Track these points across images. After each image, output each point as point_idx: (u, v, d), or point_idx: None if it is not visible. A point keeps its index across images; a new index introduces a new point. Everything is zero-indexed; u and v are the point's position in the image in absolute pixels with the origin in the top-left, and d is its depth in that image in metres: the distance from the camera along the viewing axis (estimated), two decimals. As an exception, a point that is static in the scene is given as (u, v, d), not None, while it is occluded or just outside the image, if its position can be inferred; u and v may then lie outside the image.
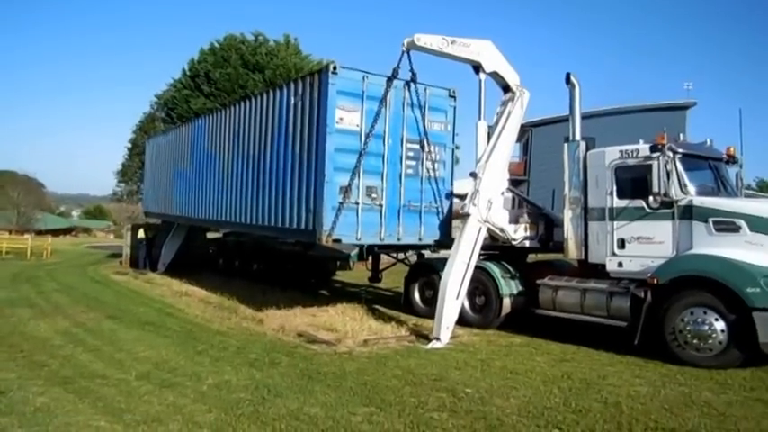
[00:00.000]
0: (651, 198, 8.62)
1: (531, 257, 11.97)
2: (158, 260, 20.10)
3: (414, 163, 10.53)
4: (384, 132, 10.08)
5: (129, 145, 35.26)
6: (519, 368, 7.54)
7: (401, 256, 13.60)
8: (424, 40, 9.89)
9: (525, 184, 34.51)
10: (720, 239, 8.03)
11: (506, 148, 10.46)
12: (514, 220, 10.83)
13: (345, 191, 9.51)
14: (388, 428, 5.26)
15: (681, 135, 9.71)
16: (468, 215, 9.66)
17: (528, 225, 10.91)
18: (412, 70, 10.26)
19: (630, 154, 9.13)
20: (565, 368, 7.58)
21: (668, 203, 8.54)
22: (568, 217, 9.90)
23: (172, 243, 20.16)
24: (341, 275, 18.25)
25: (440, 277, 9.75)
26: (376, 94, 9.89)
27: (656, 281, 8.23)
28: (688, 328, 7.78)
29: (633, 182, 9.05)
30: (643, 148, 8.96)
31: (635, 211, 8.95)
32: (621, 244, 9.08)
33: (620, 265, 9.09)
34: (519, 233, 10.75)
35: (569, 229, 9.87)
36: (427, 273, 11.78)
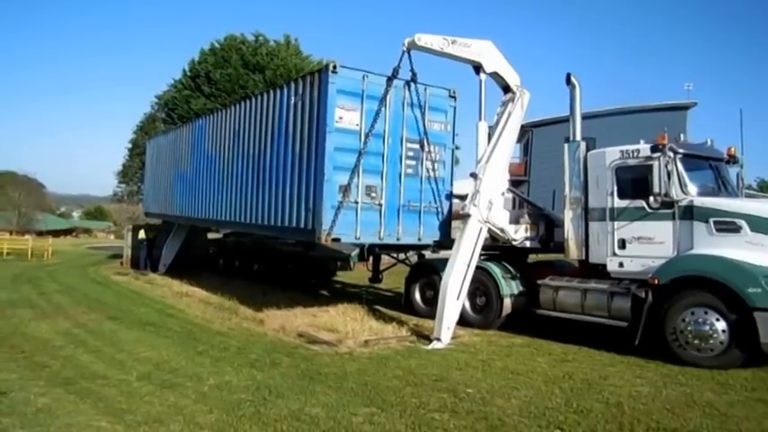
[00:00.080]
0: (652, 198, 8.62)
1: (532, 258, 11.97)
2: (159, 261, 20.10)
3: (413, 163, 10.53)
4: (384, 132, 10.08)
5: (130, 145, 35.30)
6: (520, 368, 7.53)
7: (402, 256, 13.59)
8: (424, 39, 9.89)
9: (526, 184, 34.50)
10: (721, 239, 8.02)
11: (507, 149, 10.46)
12: (515, 221, 10.83)
13: (345, 190, 9.51)
14: (390, 429, 5.26)
15: (681, 135, 9.71)
16: (468, 216, 9.66)
17: (528, 225, 10.91)
18: (412, 70, 10.26)
19: (631, 154, 9.13)
20: (566, 368, 7.57)
21: (669, 204, 8.54)
22: (569, 217, 9.90)
23: (172, 244, 20.17)
24: (341, 276, 18.25)
25: (440, 278, 9.75)
26: (376, 94, 9.89)
27: (656, 281, 8.22)
28: (689, 328, 7.77)
29: (634, 182, 9.05)
30: (644, 148, 8.96)
31: (636, 212, 8.95)
32: (622, 244, 9.08)
33: (620, 265, 9.09)
34: (519, 233, 10.75)
35: (570, 230, 9.87)
36: (428, 273, 11.78)
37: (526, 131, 34.81)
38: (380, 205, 10.07)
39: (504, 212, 10.64)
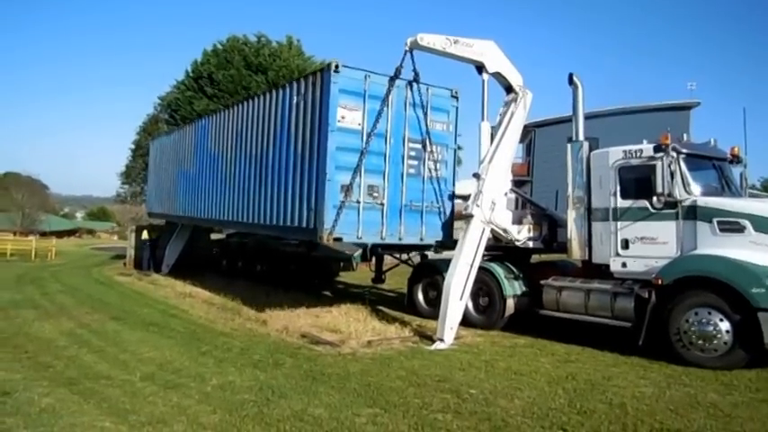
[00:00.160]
0: (655, 198, 8.61)
1: (535, 258, 11.95)
2: (162, 261, 20.16)
3: (416, 162, 10.53)
4: (386, 131, 10.08)
5: (133, 146, 35.45)
6: (523, 369, 7.52)
7: (404, 256, 13.60)
8: (427, 39, 9.88)
9: (528, 184, 34.46)
10: (725, 240, 8.00)
11: (509, 149, 10.45)
12: (518, 221, 10.82)
13: (347, 189, 9.51)
14: (393, 430, 5.25)
15: (684, 135, 9.68)
16: (471, 216, 9.66)
17: (531, 226, 10.90)
18: (415, 70, 10.27)
19: (634, 154, 9.11)
20: (569, 369, 7.56)
21: (672, 204, 8.52)
22: (572, 217, 9.89)
23: (175, 244, 20.21)
24: (344, 276, 18.26)
25: (443, 278, 9.74)
26: (378, 94, 9.89)
27: (660, 281, 8.20)
28: (693, 328, 7.75)
29: (637, 182, 9.04)
30: (647, 148, 8.95)
31: (639, 212, 8.93)
32: (625, 244, 9.07)
33: (623, 265, 9.08)
34: (522, 234, 10.74)
35: (573, 230, 9.86)
36: (431, 274, 11.78)
37: (529, 131, 34.74)
38: (382, 205, 10.07)
39: (507, 213, 10.63)
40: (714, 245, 8.06)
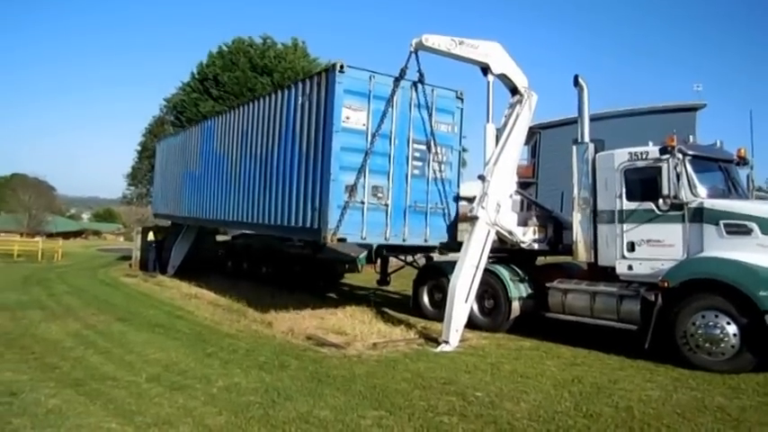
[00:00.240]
0: (661, 200, 8.58)
1: (541, 260, 11.92)
2: (168, 263, 20.19)
3: (420, 164, 10.53)
4: (390, 132, 10.08)
5: (139, 148, 35.67)
6: (529, 372, 7.50)
7: (410, 258, 13.59)
8: (432, 40, 9.89)
9: (534, 186, 34.39)
10: (732, 242, 7.96)
11: (515, 151, 10.44)
12: (523, 223, 10.80)
13: (351, 190, 9.51)
14: (398, 432, 5.25)
15: (690, 137, 9.65)
16: (476, 218, 9.65)
17: (537, 228, 10.88)
18: (419, 71, 10.27)
19: (640, 156, 9.08)
20: (575, 372, 7.53)
21: (678, 206, 8.48)
22: (577, 219, 9.86)
23: (181, 246, 20.25)
24: (349, 278, 18.25)
25: (449, 280, 9.73)
26: (383, 94, 9.90)
27: (666, 284, 8.16)
28: (699, 331, 7.71)
29: (643, 184, 9.00)
30: (652, 150, 8.92)
31: (645, 214, 8.90)
32: (631, 247, 9.03)
33: (630, 267, 9.04)
34: (528, 236, 10.72)
35: (578, 232, 9.83)
36: (436, 276, 11.77)
37: (534, 133, 34.68)
38: (387, 206, 10.07)
39: (513, 215, 10.61)
40: (721, 247, 8.02)
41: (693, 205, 8.41)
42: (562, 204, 12.43)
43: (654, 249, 8.76)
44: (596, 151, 9.84)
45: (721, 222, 8.11)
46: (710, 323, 7.64)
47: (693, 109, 32.99)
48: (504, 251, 11.00)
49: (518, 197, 11.77)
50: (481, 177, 10.02)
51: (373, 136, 9.75)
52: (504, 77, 10.47)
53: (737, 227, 7.99)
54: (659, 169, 8.67)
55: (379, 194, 9.98)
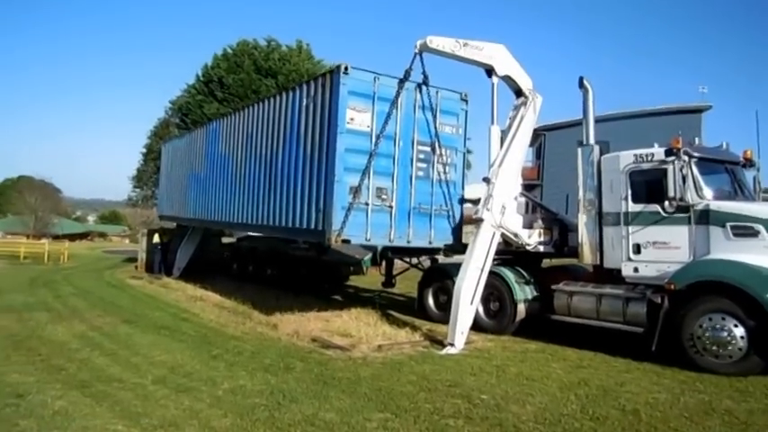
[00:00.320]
0: (667, 202, 8.54)
1: (546, 263, 11.89)
2: (173, 265, 20.26)
3: (424, 165, 10.52)
4: (395, 134, 10.08)
5: (144, 150, 35.75)
6: (535, 374, 7.48)
7: (415, 261, 13.58)
8: (436, 42, 9.88)
9: (539, 188, 34.31)
10: (738, 244, 7.92)
11: (519, 153, 10.43)
12: (528, 225, 10.77)
13: (355, 191, 9.51)
14: (404, 435, 5.24)
15: (696, 138, 9.60)
16: (481, 220, 9.63)
17: (542, 230, 10.85)
18: (424, 72, 10.26)
19: (645, 158, 9.05)
20: (581, 375, 7.51)
21: (684, 208, 8.45)
22: (583, 221, 9.83)
23: (186, 248, 20.31)
24: (354, 280, 18.26)
25: (454, 282, 9.71)
26: (387, 96, 9.90)
27: (673, 286, 8.12)
28: (706, 334, 7.67)
29: (648, 186, 8.97)
30: (658, 151, 8.88)
31: (650, 216, 8.87)
32: (637, 249, 8.99)
33: (635, 270, 9.00)
34: (533, 238, 10.69)
35: (584, 234, 9.80)
36: (441, 278, 11.75)
37: (539, 135, 34.62)
38: (391, 207, 10.06)
39: (518, 217, 10.58)
40: (727, 250, 7.98)
41: (699, 207, 8.37)
42: (567, 206, 12.38)
43: (660, 252, 8.72)
44: (601, 153, 9.81)
45: (728, 224, 8.07)
46: (718, 326, 7.60)
47: (698, 111, 32.81)
48: (510, 253, 10.98)
49: (523, 199, 11.75)
50: (486, 179, 10.01)
51: (377, 137, 9.76)
52: (508, 79, 10.46)
53: (744, 229, 7.95)
54: (665, 171, 8.63)
55: (384, 196, 9.98)
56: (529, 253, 10.79)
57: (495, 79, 10.33)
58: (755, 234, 7.84)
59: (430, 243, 10.73)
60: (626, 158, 9.30)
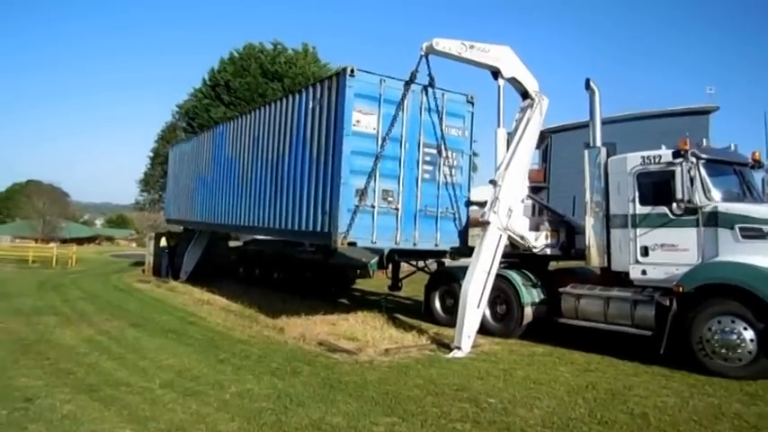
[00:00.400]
0: (675, 204, 8.50)
1: (553, 265, 11.84)
2: (180, 268, 20.32)
3: (431, 168, 10.51)
4: (401, 136, 10.07)
5: (152, 154, 35.92)
6: (542, 378, 7.45)
7: (421, 264, 13.56)
8: (442, 44, 9.88)
9: (545, 191, 34.22)
10: (747, 246, 7.86)
11: (526, 155, 10.40)
12: (535, 228, 10.74)
13: (361, 194, 9.51)
14: (411, 439, 5.23)
15: (704, 140, 9.55)
16: (488, 223, 9.61)
17: (549, 232, 10.81)
18: (430, 75, 10.25)
19: (653, 160, 9.01)
20: (589, 378, 7.47)
21: (692, 210, 8.40)
22: (590, 224, 9.79)
23: (193, 252, 20.38)
24: (360, 284, 18.25)
25: (460, 286, 9.69)
26: (393, 98, 9.90)
27: (681, 289, 8.07)
28: (715, 337, 7.62)
29: (656, 188, 8.92)
30: (665, 153, 8.84)
31: (658, 218, 8.82)
32: (645, 251, 8.95)
33: (643, 272, 8.95)
34: (540, 241, 10.65)
35: (591, 237, 9.76)
36: (448, 281, 11.73)
37: (545, 137, 34.54)
38: (397, 210, 10.05)
39: (524, 219, 10.56)
40: (736, 252, 7.92)
41: (708, 209, 8.32)
42: (574, 209, 12.33)
43: (668, 254, 8.67)
44: (608, 155, 9.77)
45: (737, 226, 8.02)
46: (727, 328, 7.55)
47: (706, 112, 32.65)
48: (516, 256, 10.94)
49: (530, 202, 11.72)
50: (493, 182, 9.99)
51: (384, 140, 9.76)
52: (514, 81, 10.44)
53: (753, 231, 7.89)
54: (672, 173, 8.59)
55: (390, 198, 9.97)
56: (536, 256, 10.75)
57: (501, 81, 10.32)
58: (764, 236, 7.78)
59: (436, 246, 10.70)
60: (633, 160, 9.26)
